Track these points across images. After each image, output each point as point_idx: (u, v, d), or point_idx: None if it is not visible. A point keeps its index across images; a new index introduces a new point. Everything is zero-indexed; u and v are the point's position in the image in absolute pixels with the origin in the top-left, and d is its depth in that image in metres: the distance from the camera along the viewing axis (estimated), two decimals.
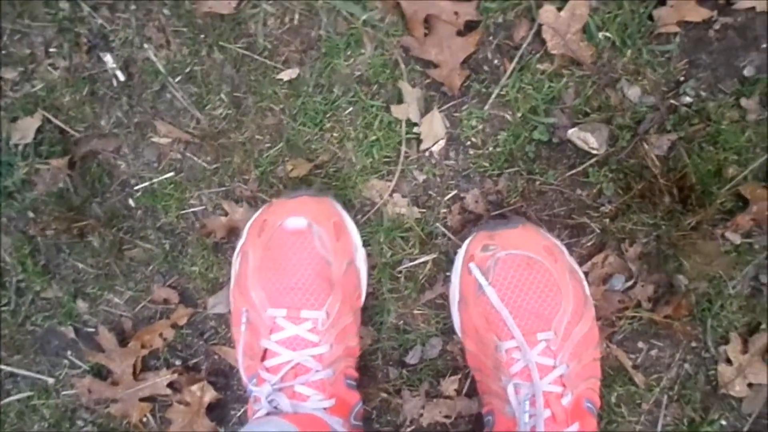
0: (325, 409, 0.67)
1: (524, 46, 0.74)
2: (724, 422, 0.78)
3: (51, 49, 0.78)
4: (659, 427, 0.79)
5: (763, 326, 0.77)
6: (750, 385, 0.77)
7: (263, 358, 0.68)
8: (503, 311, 0.66)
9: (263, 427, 0.61)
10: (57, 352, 0.84)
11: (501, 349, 0.67)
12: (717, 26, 0.73)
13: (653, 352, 0.79)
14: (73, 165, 0.80)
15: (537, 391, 0.64)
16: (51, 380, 0.84)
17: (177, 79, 0.78)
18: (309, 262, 0.69)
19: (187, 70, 0.77)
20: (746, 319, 0.77)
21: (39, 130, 0.79)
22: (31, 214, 0.81)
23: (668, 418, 0.79)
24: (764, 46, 0.73)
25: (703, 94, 0.74)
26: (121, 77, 0.78)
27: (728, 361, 0.77)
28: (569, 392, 0.65)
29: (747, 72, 0.74)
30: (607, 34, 0.73)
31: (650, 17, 0.72)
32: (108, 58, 0.78)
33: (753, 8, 0.72)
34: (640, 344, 0.78)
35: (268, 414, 0.66)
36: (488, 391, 0.70)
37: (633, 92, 0.74)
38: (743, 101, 0.73)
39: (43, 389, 0.84)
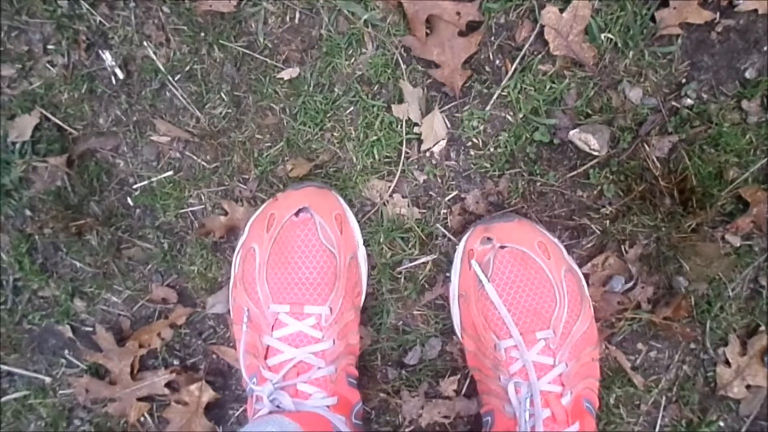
0: (327, 407, 0.67)
1: (526, 46, 0.74)
2: (722, 423, 0.79)
3: (49, 47, 0.78)
4: (657, 428, 0.79)
5: (762, 328, 0.77)
6: (748, 386, 0.77)
7: (266, 356, 0.68)
8: (502, 309, 0.67)
9: (266, 426, 0.61)
10: (54, 351, 0.83)
11: (500, 348, 0.67)
12: (719, 28, 0.73)
13: (652, 354, 0.79)
14: (72, 163, 0.79)
15: (534, 391, 0.64)
16: (48, 379, 0.83)
17: (177, 78, 0.77)
18: (314, 253, 0.69)
19: (187, 68, 0.77)
20: (745, 321, 0.78)
21: (37, 128, 0.78)
22: (28, 213, 0.80)
23: (666, 420, 0.79)
24: (766, 48, 0.73)
25: (704, 96, 0.74)
26: (120, 75, 0.78)
27: (727, 363, 0.77)
28: (569, 391, 0.65)
29: (748, 74, 0.74)
30: (610, 35, 0.72)
31: (652, 19, 0.72)
32: (107, 56, 0.77)
33: (755, 11, 0.72)
34: (640, 345, 0.79)
35: (270, 413, 0.66)
36: (488, 391, 0.71)
37: (634, 94, 0.74)
38: (744, 103, 0.73)
39: (40, 388, 0.84)
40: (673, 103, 0.74)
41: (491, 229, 0.70)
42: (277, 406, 0.67)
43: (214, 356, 0.82)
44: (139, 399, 0.81)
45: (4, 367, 0.83)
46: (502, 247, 0.68)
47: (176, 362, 0.82)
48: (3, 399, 0.83)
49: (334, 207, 0.72)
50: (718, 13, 0.73)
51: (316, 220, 0.70)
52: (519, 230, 0.70)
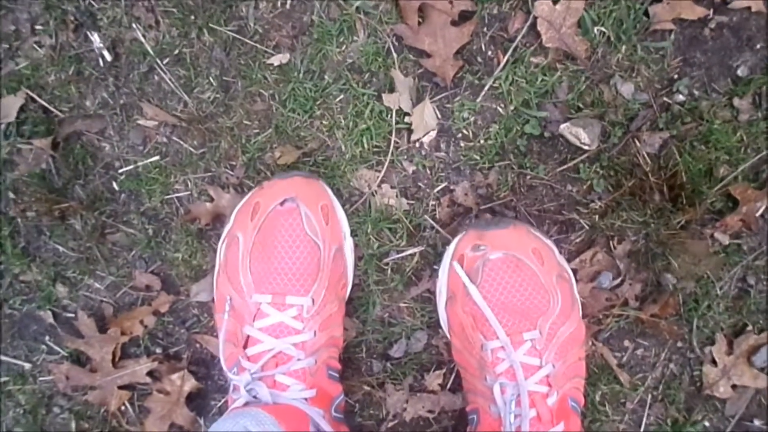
0: (305, 399, 0.66)
1: (519, 38, 0.73)
2: (707, 423, 0.78)
3: (37, 27, 0.77)
4: (643, 427, 0.79)
5: (749, 328, 0.77)
6: (734, 386, 0.77)
7: (245, 346, 0.67)
8: (487, 311, 0.66)
9: (242, 418, 0.59)
10: (35, 337, 0.82)
11: (486, 349, 0.66)
12: (712, 25, 0.73)
13: (639, 351, 0.78)
14: (57, 146, 0.78)
15: (522, 391, 0.64)
16: (28, 366, 0.82)
17: (165, 61, 0.76)
18: (298, 244, 0.68)
19: (176, 51, 0.76)
20: (732, 321, 0.77)
21: (22, 109, 0.77)
22: (11, 195, 0.79)
23: (652, 418, 0.79)
24: (758, 46, 0.73)
25: (696, 92, 0.74)
26: (108, 57, 0.77)
27: (713, 362, 0.77)
28: (555, 392, 0.65)
29: (740, 72, 0.73)
30: (602, 29, 0.72)
31: (646, 13, 0.72)
32: (95, 38, 0.76)
33: (749, 8, 0.72)
34: (626, 343, 0.78)
35: (246, 404, 0.65)
36: (473, 390, 0.70)
37: (626, 89, 0.74)
38: (736, 101, 0.73)
39: (19, 375, 0.82)
40: (665, 99, 0.74)
41: (485, 236, 0.69)
42: (254, 397, 0.66)
43: (198, 345, 0.81)
44: (120, 387, 0.80)
45: None
46: (494, 256, 0.67)
47: (159, 351, 0.81)
48: None
49: (321, 197, 0.71)
50: (711, 10, 0.72)
51: (302, 210, 0.69)
52: (514, 237, 0.69)
